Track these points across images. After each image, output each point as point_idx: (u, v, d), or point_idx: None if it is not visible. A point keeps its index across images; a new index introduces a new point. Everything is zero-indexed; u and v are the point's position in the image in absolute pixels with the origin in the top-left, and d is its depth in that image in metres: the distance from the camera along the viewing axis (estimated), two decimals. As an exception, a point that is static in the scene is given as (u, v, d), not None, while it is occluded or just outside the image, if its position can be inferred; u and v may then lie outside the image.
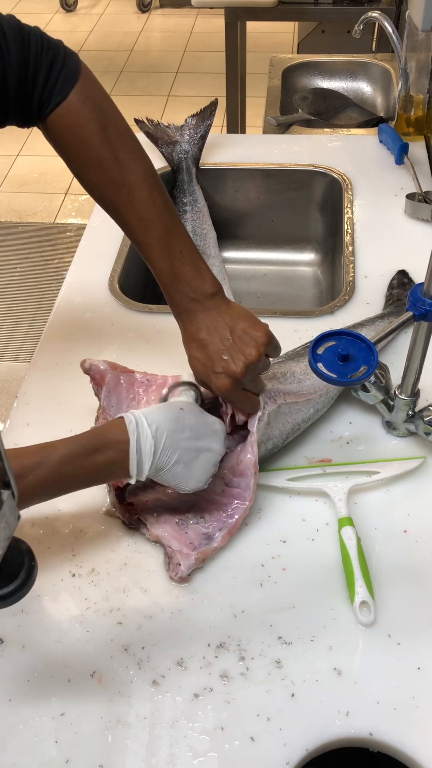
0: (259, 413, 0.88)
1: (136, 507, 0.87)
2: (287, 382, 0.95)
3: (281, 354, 1.04)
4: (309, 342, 1.06)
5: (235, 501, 0.87)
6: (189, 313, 0.87)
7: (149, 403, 0.91)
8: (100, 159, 0.84)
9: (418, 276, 1.19)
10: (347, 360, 0.85)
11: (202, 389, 0.90)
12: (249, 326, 0.86)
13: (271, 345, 0.87)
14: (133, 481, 0.80)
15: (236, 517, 0.86)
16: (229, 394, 0.85)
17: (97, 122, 0.84)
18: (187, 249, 0.88)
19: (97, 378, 0.93)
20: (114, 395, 0.92)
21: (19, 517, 0.61)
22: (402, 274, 1.22)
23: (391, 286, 1.21)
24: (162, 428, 0.79)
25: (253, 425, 0.87)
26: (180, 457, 0.80)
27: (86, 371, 0.93)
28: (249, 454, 0.86)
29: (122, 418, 0.79)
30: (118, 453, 0.77)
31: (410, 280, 1.21)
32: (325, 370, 0.84)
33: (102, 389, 0.92)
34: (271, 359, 0.92)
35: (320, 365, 0.85)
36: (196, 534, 0.84)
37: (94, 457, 0.76)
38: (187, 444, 0.81)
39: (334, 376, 0.84)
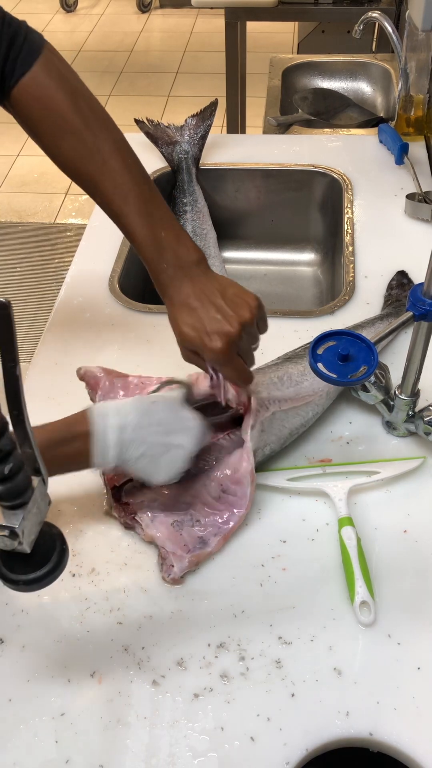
0: (251, 421, 0.87)
1: (132, 507, 0.87)
2: (283, 387, 0.95)
3: (278, 357, 1.04)
4: (307, 343, 1.06)
5: (232, 508, 0.87)
6: (176, 281, 0.83)
7: None
8: (72, 128, 0.82)
9: (418, 276, 1.19)
10: (347, 360, 0.85)
11: (200, 385, 0.89)
12: (239, 291, 0.83)
13: (261, 313, 0.84)
14: (98, 470, 0.79)
15: (231, 523, 0.86)
16: (223, 357, 0.80)
17: (64, 92, 0.82)
18: (167, 216, 0.84)
19: (92, 383, 0.93)
20: (108, 399, 0.92)
21: (50, 502, 0.62)
22: (401, 275, 1.22)
23: (390, 287, 1.21)
24: (128, 421, 0.77)
25: (247, 434, 0.87)
26: (146, 451, 0.78)
27: (81, 378, 0.93)
28: (245, 462, 0.86)
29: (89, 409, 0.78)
30: (85, 444, 0.76)
31: (409, 280, 1.21)
32: (325, 370, 0.84)
33: (97, 394, 0.92)
34: (268, 367, 0.93)
35: (320, 365, 0.85)
36: (190, 536, 0.84)
37: (62, 449, 0.75)
38: (154, 438, 0.79)
39: (334, 376, 0.84)
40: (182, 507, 0.87)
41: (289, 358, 1.02)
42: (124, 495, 0.88)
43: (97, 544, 0.87)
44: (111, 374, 0.94)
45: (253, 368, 0.99)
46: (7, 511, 0.56)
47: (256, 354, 1.07)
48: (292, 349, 1.05)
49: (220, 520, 0.86)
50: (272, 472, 0.93)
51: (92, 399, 0.93)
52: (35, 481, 0.58)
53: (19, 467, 0.55)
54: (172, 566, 0.81)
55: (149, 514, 0.86)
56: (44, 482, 0.60)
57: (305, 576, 0.83)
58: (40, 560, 0.62)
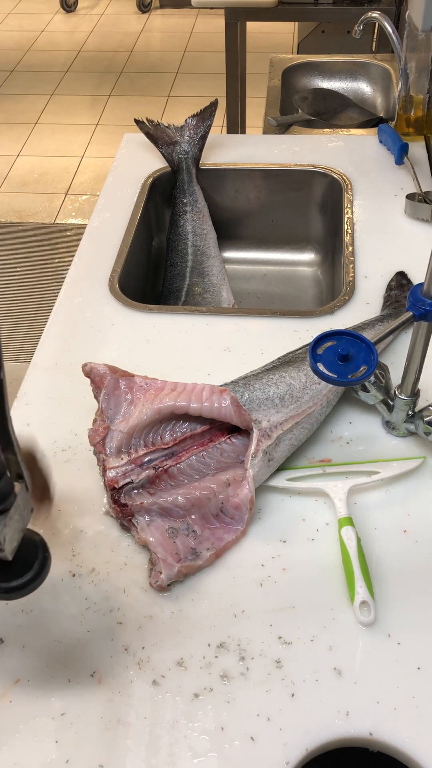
0: (252, 450, 0.88)
1: (130, 508, 0.87)
2: (284, 407, 0.94)
3: (279, 357, 1.04)
4: (305, 346, 1.06)
5: (228, 527, 0.86)
6: None
7: (145, 407, 0.91)
8: None
9: (418, 276, 1.19)
10: (347, 360, 0.85)
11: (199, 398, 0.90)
12: None
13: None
14: (99, 471, 0.78)
15: (226, 541, 0.85)
16: None
17: None
18: None
19: (96, 381, 0.93)
20: (113, 398, 0.92)
21: (33, 509, 0.61)
22: (401, 276, 1.22)
23: (389, 288, 1.21)
24: None
25: (248, 462, 0.87)
26: None
27: (87, 374, 0.94)
28: (246, 489, 0.86)
29: None
30: None
31: (409, 281, 1.21)
32: (325, 371, 0.84)
33: (101, 392, 0.92)
34: (267, 372, 0.93)
35: (320, 365, 0.85)
36: (184, 546, 0.84)
37: None
38: None
39: (335, 376, 0.84)
40: (180, 514, 0.87)
41: (290, 362, 1.01)
42: (124, 496, 0.88)
43: (97, 544, 0.87)
44: (116, 372, 0.94)
45: (255, 372, 0.99)
46: None
47: (256, 353, 1.08)
48: (292, 351, 1.05)
49: (214, 537, 0.86)
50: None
51: (96, 397, 0.93)
52: (17, 487, 0.57)
53: (1, 473, 0.54)
54: (160, 573, 0.81)
55: (146, 518, 0.86)
56: (27, 488, 0.59)
57: (305, 576, 0.83)
58: (21, 568, 0.61)
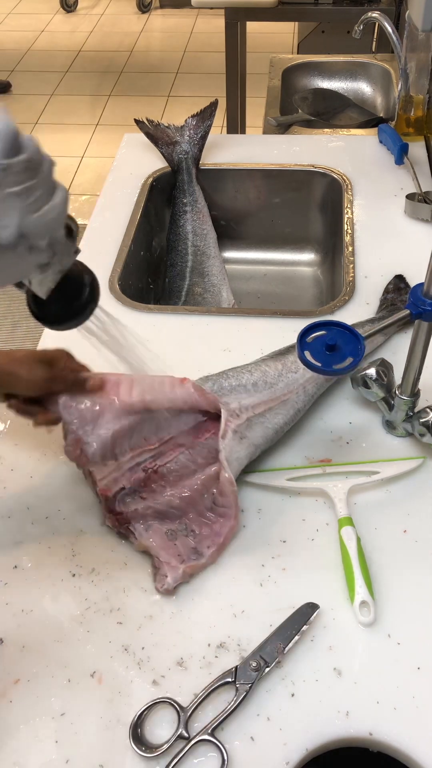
0: (222, 430, 0.87)
1: (126, 515, 0.86)
2: (256, 392, 0.94)
3: (267, 354, 1.04)
4: (292, 345, 1.06)
5: (221, 519, 0.86)
6: None
7: (114, 409, 0.89)
8: None
9: (418, 276, 1.19)
10: (334, 350, 0.85)
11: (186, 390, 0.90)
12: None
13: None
14: (89, 483, 0.79)
15: (224, 534, 0.85)
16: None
17: None
18: None
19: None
20: (72, 409, 0.88)
21: (77, 251, 0.69)
22: (398, 279, 1.22)
23: (386, 291, 1.20)
24: None
25: (219, 444, 0.87)
26: None
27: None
28: (223, 472, 0.85)
29: None
30: None
31: (407, 285, 1.20)
32: (311, 359, 0.84)
33: (58, 406, 0.88)
34: (245, 365, 0.94)
35: (307, 353, 0.85)
36: (185, 547, 0.84)
37: None
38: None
39: (319, 364, 0.84)
40: (176, 514, 0.87)
41: (271, 356, 1.02)
42: (118, 504, 0.87)
43: (97, 544, 0.87)
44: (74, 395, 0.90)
45: (235, 367, 1.00)
46: None
47: (256, 353, 1.08)
48: (279, 349, 1.05)
49: (212, 532, 0.85)
50: (272, 472, 0.93)
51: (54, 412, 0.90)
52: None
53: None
54: (166, 576, 0.81)
55: (143, 523, 0.86)
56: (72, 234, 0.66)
57: (305, 576, 0.83)
58: (64, 302, 0.69)
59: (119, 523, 0.86)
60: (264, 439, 0.92)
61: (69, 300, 0.72)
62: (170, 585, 0.80)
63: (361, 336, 0.86)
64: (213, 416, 0.92)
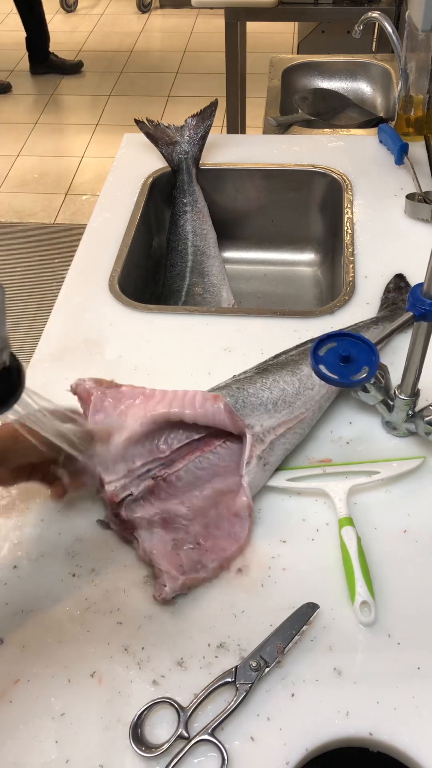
0: (246, 455, 0.87)
1: (132, 522, 0.86)
2: (278, 411, 0.93)
3: (271, 357, 1.03)
4: (299, 345, 1.06)
5: (230, 537, 0.85)
6: None
7: (137, 417, 0.89)
8: None
9: (418, 276, 1.19)
10: (348, 361, 0.85)
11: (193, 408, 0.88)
12: None
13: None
14: (96, 487, 0.78)
15: (230, 552, 0.84)
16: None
17: None
18: None
19: (84, 396, 0.91)
20: (101, 413, 0.89)
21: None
22: (399, 278, 1.22)
23: (387, 290, 1.20)
24: None
25: (243, 469, 0.87)
26: None
27: (74, 392, 0.91)
28: (243, 497, 0.85)
29: None
30: None
31: (407, 284, 1.20)
32: (327, 372, 0.84)
33: (89, 408, 0.90)
34: (260, 376, 0.92)
35: (322, 367, 0.84)
36: (188, 558, 0.83)
37: None
38: None
39: (336, 377, 0.84)
40: (182, 524, 0.86)
41: (283, 365, 1.00)
42: (125, 510, 0.86)
43: (97, 544, 0.87)
44: (102, 384, 0.92)
45: (247, 375, 0.99)
46: None
47: (256, 353, 1.08)
48: (285, 351, 1.05)
49: (218, 547, 0.84)
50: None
51: (84, 413, 0.90)
52: None
53: None
54: (165, 586, 0.80)
55: (148, 530, 0.85)
56: None
57: (305, 576, 0.83)
58: None
59: (124, 528, 0.86)
60: (280, 460, 0.93)
61: None
62: (168, 595, 0.80)
63: (372, 344, 0.86)
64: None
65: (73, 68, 4.63)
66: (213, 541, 0.85)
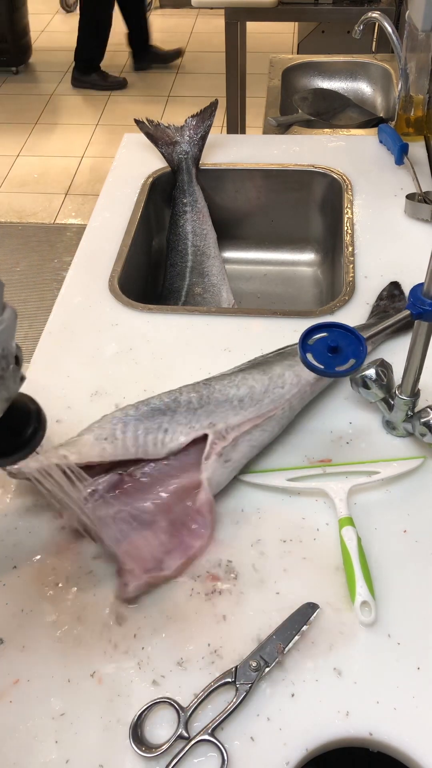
0: (206, 452, 0.86)
1: (97, 520, 0.85)
2: (243, 409, 0.92)
3: (248, 362, 1.02)
4: (279, 350, 1.05)
5: (194, 534, 0.85)
6: None
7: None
8: None
9: (418, 275, 1.19)
10: (336, 352, 0.84)
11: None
12: None
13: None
14: None
15: (192, 551, 0.84)
16: None
17: None
18: None
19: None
20: None
21: (23, 378, 0.66)
22: (393, 286, 1.20)
23: (380, 297, 1.19)
24: None
25: (202, 466, 0.86)
26: None
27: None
28: (203, 493, 0.85)
29: None
30: None
31: (401, 292, 1.19)
32: (313, 361, 0.84)
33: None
34: (232, 374, 0.93)
35: (309, 356, 0.84)
36: (152, 556, 0.82)
37: None
38: None
39: (321, 367, 0.84)
40: (147, 522, 0.85)
41: (258, 365, 1.00)
42: (90, 506, 0.85)
43: (97, 544, 0.87)
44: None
45: (222, 374, 0.99)
46: None
47: (256, 353, 1.08)
48: (263, 355, 1.04)
49: (184, 545, 0.84)
50: (272, 472, 0.93)
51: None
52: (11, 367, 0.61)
53: None
54: (127, 585, 0.80)
55: (113, 528, 0.84)
56: (17, 363, 0.63)
57: (305, 576, 0.83)
58: (9, 435, 0.65)
59: (87, 527, 0.85)
60: (247, 458, 0.92)
61: (16, 432, 0.68)
62: (130, 593, 0.79)
63: (362, 338, 0.86)
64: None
65: (173, 57, 4.66)
66: (177, 539, 0.84)
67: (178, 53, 4.68)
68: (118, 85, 4.49)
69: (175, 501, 0.87)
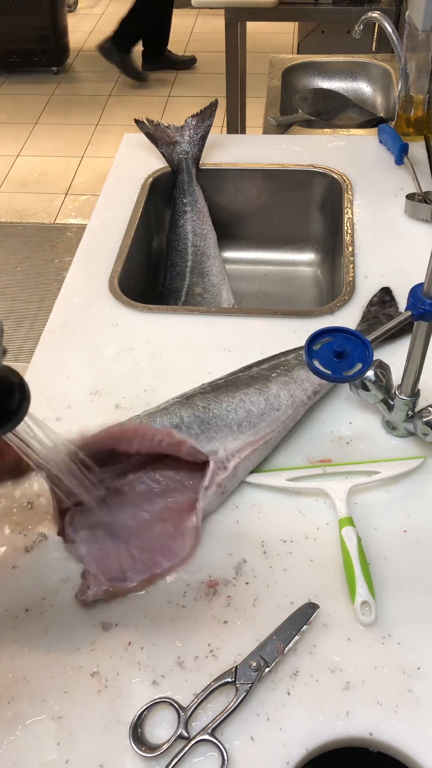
0: (206, 482, 0.85)
1: (74, 524, 0.85)
2: (243, 432, 0.91)
3: (241, 370, 1.01)
4: (269, 358, 1.05)
5: (169, 555, 0.83)
6: None
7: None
8: None
9: (418, 276, 1.19)
10: (342, 357, 0.84)
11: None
12: None
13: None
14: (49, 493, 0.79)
15: (161, 569, 0.82)
16: None
17: None
18: None
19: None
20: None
21: (5, 351, 0.66)
22: (384, 292, 1.20)
23: (371, 303, 1.18)
24: None
25: (200, 493, 0.85)
26: None
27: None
28: (194, 518, 0.83)
29: None
30: None
31: (392, 298, 1.18)
32: (320, 367, 0.84)
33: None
34: (227, 393, 0.92)
35: (315, 362, 0.84)
36: (119, 565, 0.82)
37: None
38: None
39: (329, 372, 0.84)
40: (123, 534, 0.84)
41: (252, 380, 0.98)
42: (70, 513, 0.86)
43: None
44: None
45: (215, 385, 0.98)
46: None
47: (256, 353, 1.08)
48: (257, 363, 1.03)
49: (152, 561, 0.83)
50: (272, 472, 0.93)
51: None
52: None
53: None
54: (87, 588, 0.79)
55: (88, 533, 0.84)
56: None
57: (305, 576, 0.83)
58: None
59: (65, 532, 0.85)
60: (240, 481, 0.91)
61: (1, 404, 0.68)
62: (89, 598, 0.79)
63: (368, 341, 0.86)
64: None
65: (187, 63, 4.66)
66: (148, 555, 0.83)
67: (193, 60, 4.66)
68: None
69: (157, 519, 0.86)
